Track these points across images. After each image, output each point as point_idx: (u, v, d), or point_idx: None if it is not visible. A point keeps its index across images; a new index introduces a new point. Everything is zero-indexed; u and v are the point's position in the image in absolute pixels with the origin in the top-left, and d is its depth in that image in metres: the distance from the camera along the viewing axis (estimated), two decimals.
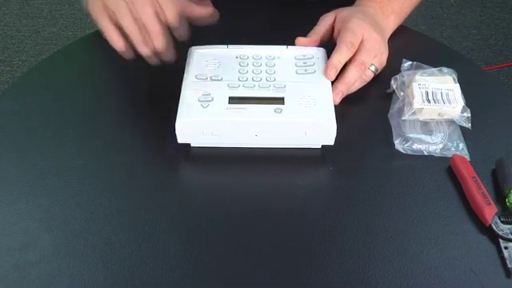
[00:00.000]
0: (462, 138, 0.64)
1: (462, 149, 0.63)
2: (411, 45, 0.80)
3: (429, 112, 0.64)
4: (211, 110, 0.61)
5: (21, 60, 1.95)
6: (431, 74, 0.68)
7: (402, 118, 0.64)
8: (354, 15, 0.69)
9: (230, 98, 0.62)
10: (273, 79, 0.65)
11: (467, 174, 0.59)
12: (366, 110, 0.70)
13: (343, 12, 0.71)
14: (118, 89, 0.73)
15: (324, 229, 0.56)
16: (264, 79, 0.65)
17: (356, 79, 0.67)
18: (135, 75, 0.69)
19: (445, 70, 0.69)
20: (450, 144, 0.63)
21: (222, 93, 0.62)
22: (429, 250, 0.54)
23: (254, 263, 0.53)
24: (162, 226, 0.56)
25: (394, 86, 0.69)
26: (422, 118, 0.65)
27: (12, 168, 0.62)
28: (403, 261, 0.53)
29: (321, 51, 0.69)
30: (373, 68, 0.69)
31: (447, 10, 2.14)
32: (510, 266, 0.52)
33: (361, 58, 0.67)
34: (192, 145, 0.63)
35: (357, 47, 0.67)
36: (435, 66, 0.70)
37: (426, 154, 0.63)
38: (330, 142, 0.62)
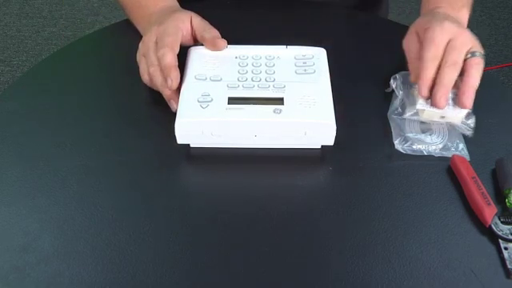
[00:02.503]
0: (461, 138, 0.64)
1: (462, 149, 0.63)
2: None
3: (430, 114, 0.64)
4: (210, 110, 0.61)
5: (21, 60, 1.96)
6: None
7: (403, 117, 0.64)
8: (431, 21, 0.66)
9: (230, 99, 0.62)
10: (272, 79, 0.64)
11: (467, 174, 0.59)
12: (366, 110, 0.70)
13: (421, 21, 0.69)
14: (117, 89, 0.73)
15: (324, 229, 0.56)
16: (263, 79, 0.64)
17: (453, 79, 0.63)
18: (135, 75, 0.69)
19: None
20: (449, 144, 0.63)
21: (222, 93, 0.62)
22: (428, 250, 0.54)
23: (254, 263, 0.53)
24: (162, 227, 0.56)
25: (394, 86, 0.68)
26: (422, 119, 0.65)
27: (11, 168, 0.62)
28: (403, 261, 0.53)
29: (321, 51, 0.69)
30: (477, 54, 0.63)
31: None
32: (509, 266, 0.52)
33: (452, 58, 0.62)
34: (191, 145, 0.63)
35: (440, 57, 0.63)
36: None
37: (425, 153, 0.63)
38: (330, 142, 0.62)
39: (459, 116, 0.64)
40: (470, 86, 0.62)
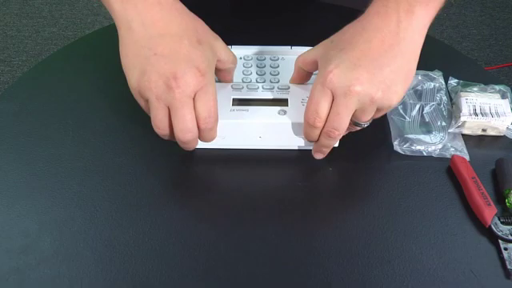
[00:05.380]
0: (461, 138, 0.64)
1: (462, 149, 0.63)
2: None
3: (472, 126, 0.64)
4: None
5: (21, 60, 1.95)
6: (478, 91, 0.67)
7: (449, 131, 0.64)
8: (333, 57, 0.55)
9: (234, 100, 0.62)
10: (277, 80, 0.64)
11: (467, 174, 0.59)
12: None
13: (326, 55, 0.56)
14: (118, 89, 0.72)
15: (324, 229, 0.56)
16: (268, 80, 0.65)
17: (332, 145, 0.59)
18: None
19: (492, 87, 0.68)
20: (449, 144, 0.63)
21: (226, 94, 0.62)
22: (428, 250, 0.54)
23: (254, 263, 0.53)
24: (162, 228, 0.56)
25: None
26: (464, 132, 0.65)
27: (11, 169, 0.62)
28: (402, 261, 0.53)
29: None
30: (361, 125, 0.56)
31: (447, 10, 2.14)
32: (509, 267, 0.52)
33: (331, 125, 0.54)
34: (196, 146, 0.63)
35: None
36: (435, 65, 0.70)
37: (425, 154, 0.63)
38: None
39: (505, 123, 0.64)
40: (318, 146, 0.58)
